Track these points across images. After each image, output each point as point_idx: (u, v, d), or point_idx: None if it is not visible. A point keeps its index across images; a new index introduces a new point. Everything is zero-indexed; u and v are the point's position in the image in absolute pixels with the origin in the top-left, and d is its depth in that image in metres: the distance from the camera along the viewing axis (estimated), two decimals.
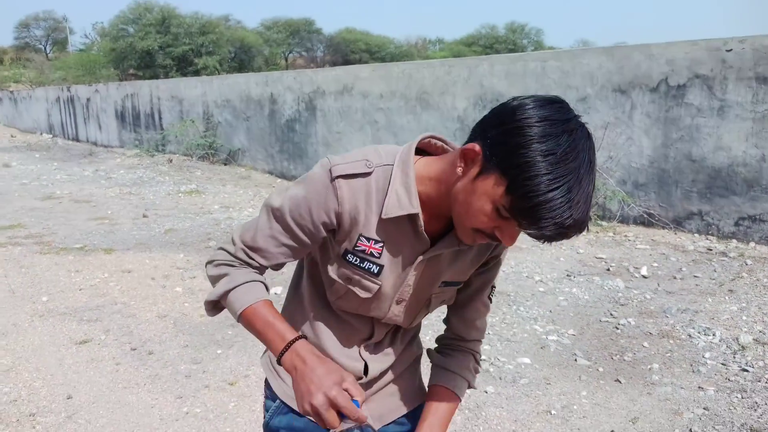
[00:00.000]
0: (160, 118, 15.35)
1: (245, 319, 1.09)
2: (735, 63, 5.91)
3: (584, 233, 0.94)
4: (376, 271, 1.11)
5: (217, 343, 3.82)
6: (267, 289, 1.13)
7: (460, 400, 1.28)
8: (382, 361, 1.25)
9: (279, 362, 1.02)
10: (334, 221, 1.07)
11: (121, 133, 17.29)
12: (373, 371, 1.23)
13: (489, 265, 1.23)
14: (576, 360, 3.54)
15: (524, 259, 5.51)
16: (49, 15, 56.65)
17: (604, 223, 6.76)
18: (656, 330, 3.92)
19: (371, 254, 1.09)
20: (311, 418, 0.95)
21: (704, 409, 2.96)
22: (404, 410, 1.32)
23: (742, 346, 3.60)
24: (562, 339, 3.84)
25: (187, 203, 8.68)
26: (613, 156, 6.88)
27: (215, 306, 1.16)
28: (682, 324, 3.98)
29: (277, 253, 1.11)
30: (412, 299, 1.18)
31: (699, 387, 3.18)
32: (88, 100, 18.88)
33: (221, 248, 1.16)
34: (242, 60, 39.57)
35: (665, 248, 5.83)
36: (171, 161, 13.20)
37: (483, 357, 3.50)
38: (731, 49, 5.92)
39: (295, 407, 1.21)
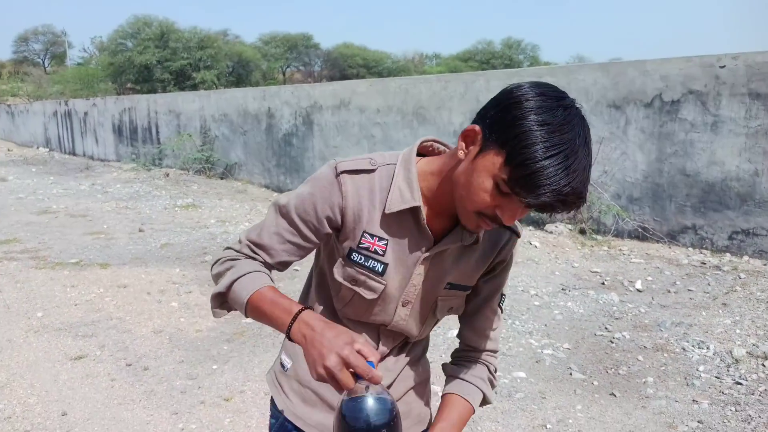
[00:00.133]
0: (158, 132, 15.40)
1: (252, 305, 1.05)
2: (728, 79, 5.98)
3: (581, 207, 0.98)
4: (380, 270, 1.11)
5: (213, 358, 3.82)
6: (272, 282, 1.12)
7: (474, 410, 1.22)
8: (386, 376, 1.23)
9: (289, 337, 0.98)
10: (338, 217, 1.09)
11: (118, 147, 17.33)
12: None
13: (496, 271, 1.22)
14: (571, 374, 3.55)
15: (519, 273, 5.53)
16: (48, 29, 56.92)
17: (599, 237, 6.79)
18: (651, 343, 3.93)
19: (375, 252, 1.10)
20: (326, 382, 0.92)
21: (698, 422, 2.97)
22: None
23: (736, 360, 3.62)
24: (557, 353, 3.85)
25: (184, 217, 8.69)
26: (608, 170, 6.93)
27: (222, 302, 1.13)
28: (677, 337, 4.00)
29: (281, 250, 1.12)
30: (418, 301, 1.17)
31: (693, 400, 3.19)
32: (86, 114, 18.93)
33: (227, 248, 1.17)
34: (240, 74, 39.75)
35: (659, 262, 5.86)
36: (168, 175, 13.23)
37: None
38: (724, 66, 5.99)
39: (300, 425, 1.22)
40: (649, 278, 5.35)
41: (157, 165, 14.94)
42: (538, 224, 7.34)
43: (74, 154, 20.07)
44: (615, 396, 3.28)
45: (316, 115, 10.71)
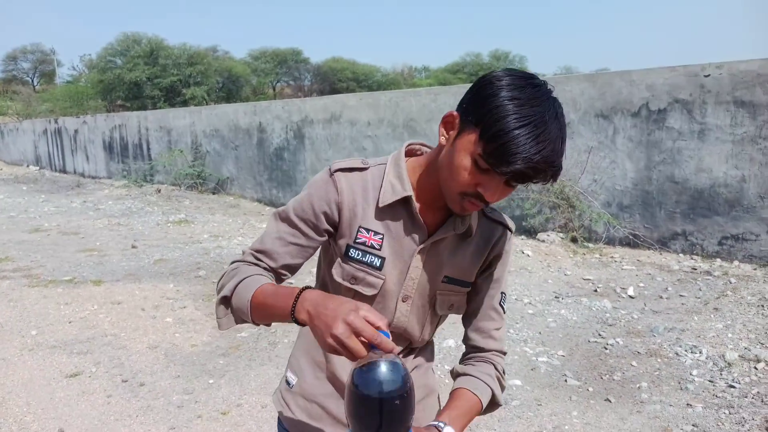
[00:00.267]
0: (149, 149, 15.40)
1: (255, 303, 1.04)
2: (713, 88, 6.08)
3: (556, 179, 1.00)
4: (378, 264, 1.14)
5: (209, 372, 3.82)
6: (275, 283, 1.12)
7: (482, 405, 1.19)
8: None
9: (294, 319, 0.96)
10: (335, 212, 1.14)
11: (109, 164, 17.29)
12: None
13: (492, 267, 1.25)
14: (566, 381, 3.57)
15: (513, 282, 5.56)
16: (37, 48, 56.83)
17: (590, 244, 6.84)
18: (644, 349, 3.97)
19: (372, 246, 1.14)
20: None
21: (693, 425, 3.00)
22: None
23: (729, 363, 3.66)
24: (552, 360, 3.87)
25: (176, 233, 8.68)
26: (597, 179, 7.00)
27: (227, 311, 1.11)
28: (670, 342, 4.04)
29: (283, 252, 1.15)
30: (418, 296, 1.19)
31: (687, 404, 3.22)
32: (76, 131, 18.90)
33: (232, 262, 1.19)
34: (230, 90, 39.85)
35: (651, 268, 5.91)
36: (159, 191, 13.21)
37: None
38: (709, 75, 6.10)
39: None
40: (641, 285, 5.40)
41: (149, 181, 14.93)
42: (530, 233, 7.40)
43: (65, 171, 20.01)
44: (610, 401, 3.31)
45: (307, 128, 10.77)
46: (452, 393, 1.21)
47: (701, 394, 3.35)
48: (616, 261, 6.26)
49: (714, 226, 6.16)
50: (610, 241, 6.89)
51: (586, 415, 3.18)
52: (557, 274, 5.86)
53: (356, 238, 1.15)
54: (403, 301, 1.18)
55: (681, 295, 5.04)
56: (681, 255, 6.31)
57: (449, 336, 4.11)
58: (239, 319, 1.10)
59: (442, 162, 1.07)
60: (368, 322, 0.86)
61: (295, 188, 11.08)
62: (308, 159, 10.84)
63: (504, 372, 1.27)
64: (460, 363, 1.30)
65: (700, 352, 3.85)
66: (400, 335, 1.23)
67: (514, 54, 52.47)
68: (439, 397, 1.38)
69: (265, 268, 1.15)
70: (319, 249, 1.25)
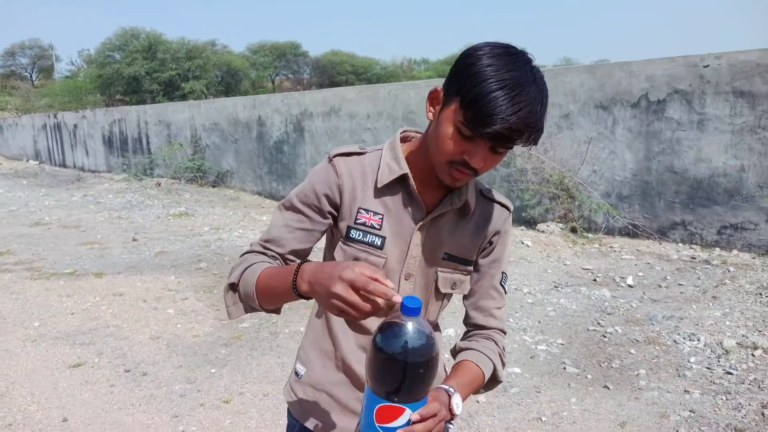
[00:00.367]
0: (148, 143, 15.40)
1: (260, 285, 1.07)
2: (712, 78, 6.09)
3: (536, 143, 1.03)
4: (379, 244, 1.16)
5: (211, 362, 3.85)
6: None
7: (484, 378, 1.19)
8: None
9: (297, 293, 0.99)
10: (336, 195, 1.17)
11: (109, 158, 17.30)
12: None
13: (492, 245, 1.26)
14: (565, 368, 3.60)
15: (513, 272, 5.59)
16: (35, 43, 56.70)
17: (590, 235, 6.87)
18: (642, 337, 4.00)
19: (372, 226, 1.16)
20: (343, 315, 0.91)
21: (690, 411, 3.03)
22: None
23: (726, 350, 3.69)
24: (551, 348, 3.90)
25: (177, 226, 8.70)
26: (597, 170, 7.02)
27: (235, 298, 1.13)
28: (668, 330, 4.07)
29: (290, 238, 1.19)
30: (420, 275, 1.21)
31: (685, 390, 3.25)
32: (75, 126, 18.89)
33: (241, 255, 1.22)
34: (229, 84, 39.79)
35: (650, 258, 5.94)
36: (159, 185, 13.22)
37: None
38: (708, 65, 6.10)
39: (315, 430, 1.24)
40: (640, 274, 5.43)
41: (149, 175, 14.94)
42: (530, 224, 7.42)
43: (65, 166, 20.01)
44: (608, 388, 3.34)
45: (307, 122, 10.77)
46: (455, 365, 1.21)
47: (699, 380, 3.38)
48: (615, 251, 6.28)
49: (713, 216, 6.18)
50: (610, 231, 6.91)
51: (584, 401, 3.21)
52: (557, 264, 5.88)
53: (356, 219, 1.17)
54: (406, 280, 1.20)
55: (680, 284, 5.06)
56: (680, 244, 6.33)
57: (449, 325, 4.14)
58: (248, 307, 1.12)
59: (431, 136, 1.11)
60: (364, 275, 0.87)
61: (295, 181, 11.09)
62: (308, 152, 10.85)
63: (504, 350, 1.29)
64: (461, 341, 1.32)
65: (698, 340, 3.87)
66: None
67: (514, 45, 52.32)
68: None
69: (273, 257, 1.18)
70: (324, 238, 1.27)
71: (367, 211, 1.17)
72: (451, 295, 1.28)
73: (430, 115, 1.11)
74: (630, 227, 6.73)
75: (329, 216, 1.20)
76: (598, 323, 4.30)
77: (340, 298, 0.87)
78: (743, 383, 3.30)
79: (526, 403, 3.21)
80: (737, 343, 3.79)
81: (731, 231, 6.06)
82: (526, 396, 3.28)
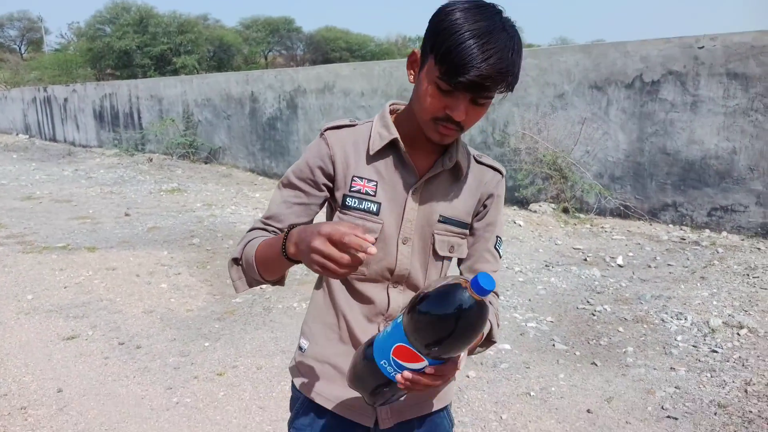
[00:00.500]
0: (140, 118, 15.26)
1: (258, 256, 1.12)
2: (707, 60, 6.09)
3: (510, 88, 1.06)
4: (375, 210, 1.19)
5: (205, 336, 3.88)
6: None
7: (483, 336, 1.16)
8: None
9: (287, 257, 1.03)
10: (329, 166, 1.21)
11: (100, 133, 17.15)
12: None
13: (487, 208, 1.29)
14: (554, 345, 3.66)
15: (504, 251, 5.62)
16: (24, 15, 55.65)
17: (581, 215, 6.92)
18: (631, 316, 4.06)
19: (367, 193, 1.19)
20: (322, 269, 0.93)
21: (675, 387, 3.10)
22: (424, 409, 1.29)
23: (712, 329, 3.76)
24: (540, 326, 3.96)
25: (169, 201, 8.68)
26: (590, 150, 7.04)
27: (239, 272, 1.19)
28: (656, 309, 4.13)
29: (289, 213, 1.23)
30: (417, 238, 1.23)
31: (671, 368, 3.32)
32: (66, 100, 18.68)
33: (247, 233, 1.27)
34: (221, 59, 39.29)
35: (640, 238, 6.00)
36: (151, 160, 13.15)
37: None
38: (703, 47, 6.11)
39: (319, 401, 1.26)
40: (630, 254, 5.49)
41: (140, 150, 14.84)
42: (523, 204, 7.46)
43: (55, 140, 19.82)
44: (596, 365, 3.40)
45: (300, 98, 10.70)
46: None
47: (685, 358, 3.44)
48: (606, 231, 6.34)
49: (704, 198, 6.24)
50: (601, 212, 6.96)
51: (572, 377, 3.27)
52: (548, 244, 5.93)
53: (351, 187, 1.20)
54: (404, 244, 1.22)
55: (669, 264, 5.13)
56: (671, 226, 6.39)
57: None
58: (252, 280, 1.18)
59: (414, 97, 1.14)
60: (340, 230, 0.90)
61: (288, 158, 11.06)
62: (301, 129, 10.80)
63: (498, 311, 1.31)
64: None
65: (686, 319, 3.94)
66: (406, 283, 1.25)
67: None
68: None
69: (273, 232, 1.23)
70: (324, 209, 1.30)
71: (361, 178, 1.20)
72: (450, 259, 1.29)
73: (411, 77, 1.15)
74: (621, 208, 6.78)
75: (324, 188, 1.23)
76: (588, 302, 4.36)
77: (318, 252, 0.90)
78: (728, 361, 3.37)
79: (515, 378, 3.26)
80: (723, 322, 3.86)
81: (721, 213, 6.13)
82: (516, 371, 3.34)
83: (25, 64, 40.53)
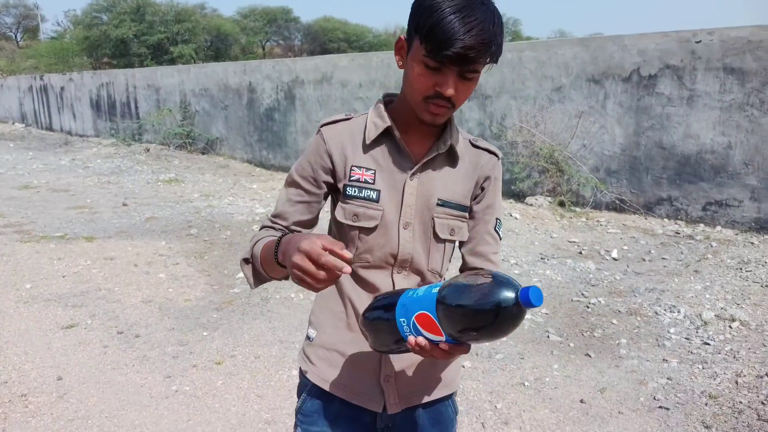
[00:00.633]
0: (137, 107, 15.22)
1: (262, 257, 1.18)
2: (704, 54, 6.12)
3: (494, 60, 1.10)
4: (375, 197, 1.23)
5: (203, 326, 3.91)
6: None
7: None
8: None
9: (280, 264, 1.08)
10: (328, 160, 1.25)
11: (97, 123, 17.10)
12: None
13: (485, 190, 1.32)
14: (548, 337, 3.71)
15: (500, 243, 5.67)
16: (20, 2, 55.19)
17: (577, 209, 6.96)
18: (625, 308, 4.11)
19: (366, 181, 1.23)
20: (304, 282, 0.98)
21: (668, 378, 3.15)
22: (431, 396, 1.32)
23: (705, 322, 3.81)
24: (535, 317, 4.00)
25: (167, 192, 8.69)
26: (586, 144, 7.07)
27: (249, 267, 1.25)
28: (650, 302, 4.18)
29: (293, 211, 1.29)
30: (417, 223, 1.25)
31: (663, 359, 3.37)
32: (62, 88, 18.60)
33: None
34: (219, 48, 39.10)
35: (635, 232, 6.04)
36: (148, 150, 13.13)
37: None
38: (700, 41, 6.13)
39: (327, 387, 1.28)
40: (625, 247, 5.53)
41: (137, 140, 14.81)
42: (519, 197, 7.49)
43: (51, 129, 19.75)
44: (590, 356, 3.45)
45: (298, 89, 10.69)
46: None
47: (677, 350, 3.49)
48: (601, 225, 6.38)
49: (699, 192, 6.28)
50: (597, 206, 7.01)
51: (566, 368, 3.32)
52: (544, 237, 5.97)
53: (350, 177, 1.24)
54: (405, 229, 1.25)
55: (663, 258, 5.17)
56: (665, 220, 6.44)
57: None
58: (263, 277, 1.25)
59: (404, 81, 1.18)
60: (324, 248, 0.94)
61: (286, 150, 11.06)
62: (299, 120, 10.80)
63: None
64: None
65: (679, 312, 3.99)
66: (410, 267, 1.28)
67: (508, 16, 51.79)
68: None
69: (280, 230, 1.29)
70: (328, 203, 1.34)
71: (359, 168, 1.24)
72: (452, 243, 1.32)
73: (400, 63, 1.19)
74: (617, 202, 6.82)
75: (325, 185, 1.27)
76: (582, 294, 4.40)
77: (297, 267, 0.95)
78: (719, 353, 3.42)
79: (510, 368, 3.31)
80: (716, 315, 3.91)
81: (716, 207, 6.17)
82: (510, 362, 3.38)
83: (21, 52, 40.26)
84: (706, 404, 2.90)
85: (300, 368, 1.37)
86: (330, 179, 1.27)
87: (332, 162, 1.25)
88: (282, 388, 3.11)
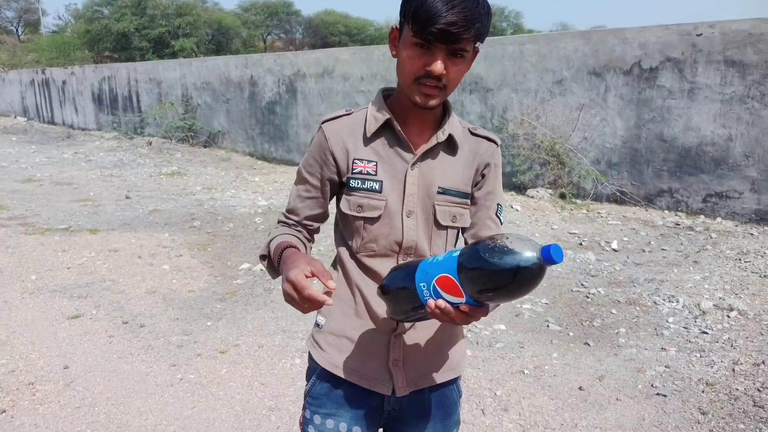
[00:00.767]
0: (138, 101, 15.25)
1: (273, 257, 1.28)
2: (705, 47, 6.13)
3: (479, 41, 1.14)
4: (378, 188, 1.27)
5: (207, 316, 3.96)
6: (301, 240, 1.35)
7: None
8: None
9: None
10: (330, 156, 1.29)
11: (99, 116, 17.13)
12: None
13: (485, 177, 1.35)
14: (548, 326, 3.75)
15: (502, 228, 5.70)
16: None
17: (578, 200, 6.99)
18: (624, 298, 4.15)
19: (368, 173, 1.27)
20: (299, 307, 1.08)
21: (665, 367, 3.19)
22: (437, 379, 1.34)
23: (703, 312, 3.85)
24: (535, 307, 4.05)
25: (170, 185, 8.73)
26: (587, 136, 7.10)
27: (266, 261, 1.35)
28: (649, 292, 4.22)
29: (302, 207, 1.37)
30: (420, 211, 1.29)
31: (662, 348, 3.41)
32: (64, 82, 18.63)
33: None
34: (220, 42, 39.05)
35: (636, 224, 6.08)
36: (150, 144, 13.17)
37: None
38: (701, 34, 6.14)
39: (336, 372, 1.32)
40: (625, 239, 5.57)
41: (139, 134, 14.84)
42: (520, 189, 7.52)
43: (53, 123, 19.79)
44: (589, 345, 3.49)
45: (300, 83, 10.71)
46: None
47: (675, 339, 3.53)
48: (602, 216, 6.42)
49: (699, 184, 6.31)
50: (598, 198, 7.03)
51: (565, 356, 3.36)
52: (544, 228, 6.01)
53: (353, 169, 1.28)
54: (408, 217, 1.29)
55: (663, 249, 5.21)
56: (666, 211, 6.47)
57: None
58: (279, 273, 1.30)
59: (397, 69, 1.22)
60: (313, 273, 1.07)
61: (287, 143, 11.09)
62: (300, 113, 10.82)
63: None
64: None
65: (677, 302, 4.03)
66: (414, 254, 1.31)
67: (510, 9, 51.66)
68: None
69: (293, 225, 1.38)
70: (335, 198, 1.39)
71: (361, 160, 1.27)
72: (455, 230, 1.35)
73: (394, 52, 1.23)
74: (618, 194, 6.85)
75: (328, 182, 1.32)
76: (582, 284, 4.44)
77: (285, 294, 1.08)
78: (717, 342, 3.46)
79: (509, 357, 3.35)
80: (714, 305, 3.95)
81: (716, 199, 6.20)
82: (510, 351, 3.43)
83: (23, 45, 40.26)
84: (703, 391, 2.94)
85: (309, 353, 1.40)
86: (334, 174, 1.31)
87: (334, 157, 1.29)
88: (285, 376, 3.16)
